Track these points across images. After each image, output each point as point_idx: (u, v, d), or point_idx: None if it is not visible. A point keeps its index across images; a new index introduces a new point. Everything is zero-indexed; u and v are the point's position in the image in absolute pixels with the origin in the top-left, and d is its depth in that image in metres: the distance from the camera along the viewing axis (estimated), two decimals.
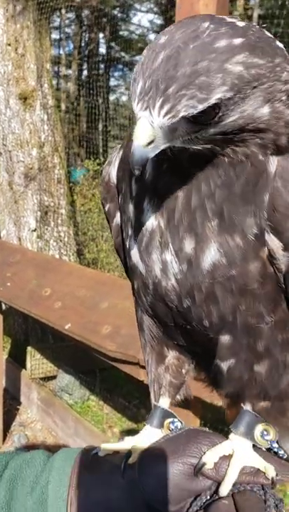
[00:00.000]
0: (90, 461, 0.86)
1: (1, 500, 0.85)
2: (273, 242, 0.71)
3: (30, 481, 0.85)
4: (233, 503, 0.78)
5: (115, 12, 23.46)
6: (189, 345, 0.88)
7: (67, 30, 20.48)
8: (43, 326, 5.82)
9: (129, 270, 0.87)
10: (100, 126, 17.96)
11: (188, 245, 0.73)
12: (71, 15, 18.01)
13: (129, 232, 0.82)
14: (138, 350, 3.09)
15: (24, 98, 5.40)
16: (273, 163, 0.69)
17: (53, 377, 5.86)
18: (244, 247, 0.71)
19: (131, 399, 5.58)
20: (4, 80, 5.49)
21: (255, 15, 14.60)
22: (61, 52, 19.84)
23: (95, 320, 3.45)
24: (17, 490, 0.85)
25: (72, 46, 22.30)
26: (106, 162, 0.91)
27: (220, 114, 0.61)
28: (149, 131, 0.60)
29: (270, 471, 0.79)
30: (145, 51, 0.61)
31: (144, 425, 0.94)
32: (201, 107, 0.58)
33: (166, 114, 0.58)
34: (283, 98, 0.63)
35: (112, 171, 0.88)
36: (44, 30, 5.71)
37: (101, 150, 16.46)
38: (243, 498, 0.78)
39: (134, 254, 0.82)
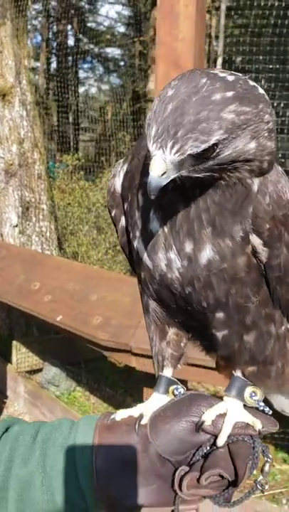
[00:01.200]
0: (109, 424, 1.03)
1: (37, 458, 1.02)
2: (255, 240, 0.91)
3: (59, 442, 1.03)
4: (228, 451, 0.97)
5: (83, 3, 23.29)
6: (188, 322, 1.07)
7: (34, 22, 20.18)
8: (31, 319, 5.89)
9: (136, 264, 1.05)
10: (71, 119, 17.88)
11: (188, 247, 0.91)
12: (38, 6, 17.79)
13: (137, 234, 1.00)
14: (129, 338, 3.23)
15: (3, 95, 5.43)
16: (256, 183, 0.89)
17: (39, 370, 5.93)
18: (233, 246, 0.90)
19: (117, 388, 5.69)
20: None
21: (223, 7, 14.71)
22: (29, 44, 19.56)
23: (85, 311, 3.56)
24: (49, 449, 1.02)
25: (39, 38, 22.02)
26: (111, 175, 1.10)
27: (217, 150, 0.78)
28: (162, 165, 0.77)
29: (258, 424, 0.99)
30: (156, 101, 0.80)
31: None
32: (203, 147, 0.76)
33: (176, 152, 0.76)
34: (266, 134, 0.82)
35: (117, 183, 1.07)
36: (21, 27, 5.74)
37: (72, 143, 16.38)
38: (236, 446, 0.97)
39: (142, 252, 0.99)
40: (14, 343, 5.86)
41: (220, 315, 0.97)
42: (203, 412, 0.98)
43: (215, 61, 14.15)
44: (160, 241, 0.94)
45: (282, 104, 7.61)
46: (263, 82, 8.67)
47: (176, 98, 0.76)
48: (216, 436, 0.97)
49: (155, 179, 0.78)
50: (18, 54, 5.66)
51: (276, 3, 8.94)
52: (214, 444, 0.97)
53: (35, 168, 5.76)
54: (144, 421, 1.01)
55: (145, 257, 0.98)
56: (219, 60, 14.74)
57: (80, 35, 22.48)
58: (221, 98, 0.75)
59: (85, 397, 5.77)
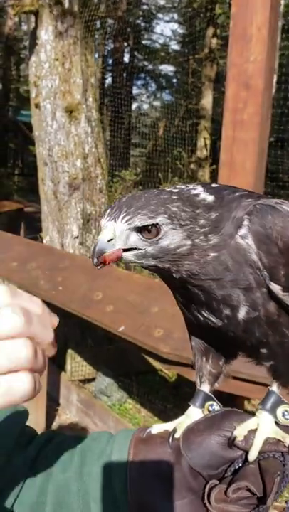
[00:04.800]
0: (144, 437, 1.07)
1: (76, 466, 1.08)
2: (275, 287, 0.96)
3: (97, 452, 1.08)
4: (258, 467, 0.98)
5: (139, 21, 23.78)
6: (234, 351, 1.14)
7: None
8: (87, 329, 6.01)
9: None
10: (123, 134, 18.17)
11: (226, 311, 0.98)
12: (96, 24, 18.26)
13: (180, 300, 1.09)
14: (191, 352, 3.28)
15: (70, 111, 5.64)
16: (242, 238, 0.95)
17: (92, 380, 6.01)
18: (261, 296, 0.96)
19: (167, 403, 5.70)
20: (51, 93, 5.74)
21: (279, 24, 14.70)
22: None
23: (147, 323, 3.62)
24: (86, 458, 1.08)
25: (96, 55, 22.60)
26: None
27: (159, 236, 0.90)
28: (110, 231, 0.89)
29: (288, 440, 1.01)
30: (111, 205, 0.93)
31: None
32: (149, 221, 0.88)
33: (125, 222, 0.88)
34: (201, 237, 0.92)
35: None
36: (89, 46, 5.96)
37: (124, 158, 16.64)
38: (267, 462, 0.97)
39: (185, 312, 1.08)
40: (69, 351, 5.97)
41: (264, 350, 1.02)
42: (235, 427, 0.99)
43: None
44: (192, 308, 1.02)
45: None
46: None
47: (132, 196, 0.92)
48: (247, 452, 0.98)
49: (101, 242, 0.89)
50: (86, 72, 5.88)
51: None
52: (246, 460, 0.98)
53: (97, 182, 5.93)
54: (177, 434, 1.04)
55: (188, 315, 1.06)
56: (274, 78, 14.73)
57: (135, 53, 22.94)
58: (167, 197, 0.91)
59: (136, 409, 5.81)
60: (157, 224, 0.89)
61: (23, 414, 1.17)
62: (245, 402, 5.38)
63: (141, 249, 0.91)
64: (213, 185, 1.00)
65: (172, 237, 0.90)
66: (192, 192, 0.94)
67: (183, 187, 0.95)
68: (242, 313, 0.96)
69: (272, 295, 0.95)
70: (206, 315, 1.00)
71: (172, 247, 0.91)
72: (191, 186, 0.96)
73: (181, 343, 3.38)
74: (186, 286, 0.97)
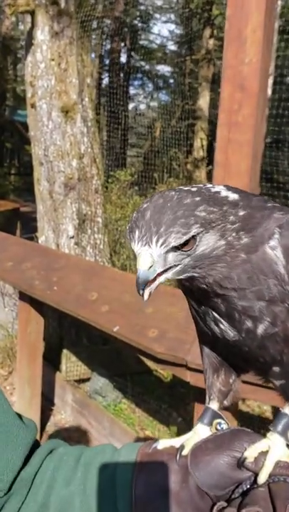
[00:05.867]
0: (151, 452, 1.05)
1: (79, 479, 1.05)
2: None
3: (101, 466, 1.06)
4: (268, 491, 0.95)
5: (136, 22, 23.79)
6: (244, 367, 1.11)
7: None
8: (82, 329, 6.01)
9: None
10: (119, 135, 18.18)
11: (248, 323, 0.96)
12: (92, 24, 18.25)
13: (194, 312, 1.06)
14: (186, 352, 3.28)
15: (66, 111, 5.65)
16: (267, 248, 0.93)
17: (87, 380, 6.02)
18: (283, 311, 0.94)
19: (162, 403, 5.71)
20: (47, 93, 5.75)
21: (275, 26, 14.74)
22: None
23: (141, 323, 3.62)
24: (90, 472, 1.05)
25: (93, 55, 22.59)
26: None
27: (196, 244, 0.86)
28: (149, 259, 0.84)
29: None
30: (134, 214, 0.87)
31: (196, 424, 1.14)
32: (185, 238, 0.84)
33: (161, 245, 0.84)
34: (234, 234, 0.89)
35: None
36: (85, 46, 5.97)
37: (120, 159, 16.65)
38: (277, 487, 0.94)
39: (200, 323, 1.06)
40: (64, 351, 5.97)
41: (276, 369, 1.00)
42: (245, 448, 0.97)
43: None
44: (209, 318, 1.00)
45: None
46: None
47: (153, 207, 0.86)
48: (256, 475, 0.95)
49: (143, 272, 0.84)
50: (82, 72, 5.89)
51: None
52: (255, 482, 0.95)
53: (92, 182, 5.94)
54: (185, 451, 1.02)
55: (202, 326, 1.04)
56: (270, 80, 14.77)
57: (132, 53, 22.94)
58: (191, 201, 0.86)
59: (131, 409, 5.81)
60: (192, 236, 0.85)
61: (32, 430, 1.13)
62: (240, 403, 5.39)
63: (180, 264, 0.88)
64: (235, 188, 0.98)
65: (207, 242, 0.88)
66: (212, 190, 0.92)
67: (201, 186, 0.92)
68: (262, 328, 0.94)
69: None
70: (223, 328, 0.97)
71: (208, 251, 0.88)
72: (209, 185, 0.93)
73: (175, 343, 3.38)
74: (209, 296, 0.94)
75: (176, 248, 0.85)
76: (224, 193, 0.92)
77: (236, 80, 3.48)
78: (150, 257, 0.84)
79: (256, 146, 3.46)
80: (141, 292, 0.86)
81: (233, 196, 0.92)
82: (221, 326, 0.97)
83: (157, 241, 0.84)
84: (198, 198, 0.87)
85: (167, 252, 0.85)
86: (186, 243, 0.85)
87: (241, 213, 0.90)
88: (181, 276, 0.90)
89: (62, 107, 5.73)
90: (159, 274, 0.87)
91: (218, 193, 0.91)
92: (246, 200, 0.92)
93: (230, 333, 0.97)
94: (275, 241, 0.91)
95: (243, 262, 0.90)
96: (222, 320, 0.97)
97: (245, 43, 3.46)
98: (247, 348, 0.98)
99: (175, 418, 5.49)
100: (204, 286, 0.92)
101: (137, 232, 0.85)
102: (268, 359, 0.98)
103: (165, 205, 0.86)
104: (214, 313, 0.97)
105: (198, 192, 0.89)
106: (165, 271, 0.87)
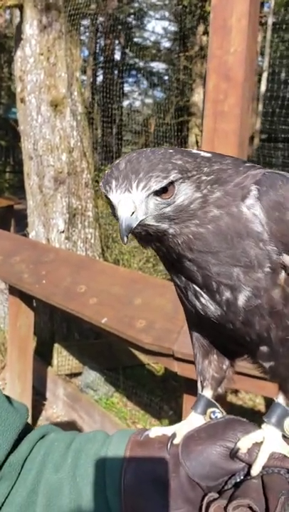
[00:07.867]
0: (142, 440, 1.02)
1: (69, 466, 1.02)
2: (286, 258, 0.89)
3: (91, 453, 1.03)
4: (262, 483, 0.91)
5: (130, 19, 23.76)
6: (234, 348, 1.06)
7: (82, 37, 20.69)
8: (73, 323, 6.01)
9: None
10: (114, 131, 18.16)
11: (226, 293, 0.91)
12: (86, 21, 18.25)
13: (178, 289, 1.02)
14: (172, 342, 3.28)
15: (55, 105, 5.63)
16: (244, 207, 0.88)
17: (78, 374, 6.02)
18: (264, 279, 0.89)
19: (154, 396, 5.71)
20: (36, 87, 5.74)
21: (270, 22, 14.76)
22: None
23: (130, 315, 3.62)
24: (80, 459, 1.03)
25: (86, 52, 22.56)
26: None
27: (174, 192, 0.84)
28: (130, 205, 0.81)
29: None
30: (108, 170, 0.86)
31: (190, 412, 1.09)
32: (165, 182, 0.82)
33: (143, 189, 0.81)
34: (208, 187, 0.87)
35: None
36: (74, 40, 5.96)
37: (114, 155, 16.64)
38: (270, 479, 0.91)
39: (185, 302, 1.02)
40: (56, 346, 5.97)
41: (264, 348, 0.95)
42: (239, 438, 0.94)
43: (260, 75, 14.15)
44: (190, 292, 0.96)
45: None
46: None
47: (127, 160, 0.84)
48: (250, 466, 0.92)
49: (126, 219, 0.81)
50: (71, 66, 5.87)
51: None
52: (248, 473, 0.92)
53: (82, 176, 5.93)
54: (176, 440, 0.99)
55: (184, 301, 1.00)
56: (265, 75, 14.77)
57: (127, 50, 22.92)
58: (165, 151, 0.85)
59: (123, 403, 5.82)
60: (172, 181, 0.83)
61: (22, 414, 1.10)
62: (232, 396, 5.40)
63: (158, 213, 0.85)
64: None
65: (185, 192, 0.85)
66: (185, 148, 0.90)
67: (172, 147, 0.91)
68: (242, 299, 0.89)
69: (275, 280, 0.89)
70: (204, 301, 0.94)
71: (187, 203, 0.85)
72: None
73: (162, 333, 3.38)
74: (183, 263, 0.91)
75: (156, 194, 0.83)
76: (196, 150, 0.91)
77: (221, 69, 3.48)
78: (132, 202, 0.81)
79: (242, 135, 3.46)
80: (125, 240, 0.83)
81: (205, 153, 0.90)
82: (202, 299, 0.94)
83: (138, 185, 0.81)
84: (171, 151, 0.86)
85: (148, 197, 0.82)
86: (165, 190, 0.83)
87: (216, 167, 0.88)
88: (157, 223, 0.86)
89: (52, 101, 5.72)
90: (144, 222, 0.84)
91: (191, 150, 0.90)
92: (219, 158, 0.91)
93: (212, 307, 0.93)
94: (252, 199, 0.87)
95: (214, 218, 0.86)
96: (202, 292, 0.93)
97: (230, 32, 3.46)
98: (231, 324, 0.93)
99: (167, 411, 5.50)
100: (175, 248, 0.88)
101: (114, 182, 0.83)
102: (253, 337, 0.94)
103: (140, 157, 0.84)
104: (194, 285, 0.93)
105: (171, 147, 0.88)
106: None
